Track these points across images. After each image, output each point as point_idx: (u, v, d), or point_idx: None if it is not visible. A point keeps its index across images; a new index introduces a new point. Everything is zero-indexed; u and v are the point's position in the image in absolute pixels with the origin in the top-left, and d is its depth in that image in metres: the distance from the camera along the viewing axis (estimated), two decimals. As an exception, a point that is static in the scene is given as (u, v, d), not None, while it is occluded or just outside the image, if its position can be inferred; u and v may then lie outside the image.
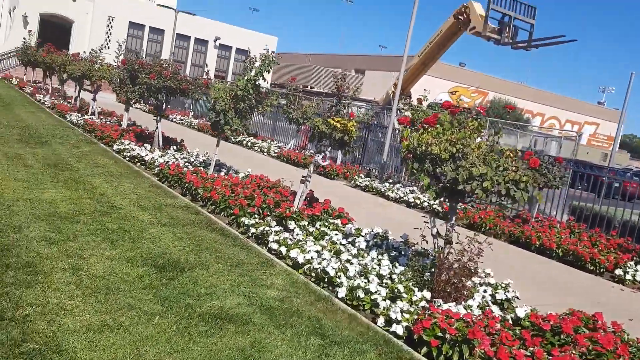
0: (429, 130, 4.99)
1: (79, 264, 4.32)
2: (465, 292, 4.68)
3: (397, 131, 13.69)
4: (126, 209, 6.19)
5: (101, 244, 4.88)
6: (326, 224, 6.60)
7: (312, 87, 40.89)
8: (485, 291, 4.97)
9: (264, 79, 9.01)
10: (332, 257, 5.18)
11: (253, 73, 8.71)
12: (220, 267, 4.75)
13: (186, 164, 9.31)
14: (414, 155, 4.92)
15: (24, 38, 24.49)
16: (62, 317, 3.41)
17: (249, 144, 16.53)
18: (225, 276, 4.54)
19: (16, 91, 21.05)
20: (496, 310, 4.52)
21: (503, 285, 5.24)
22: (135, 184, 7.59)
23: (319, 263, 4.99)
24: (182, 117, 21.16)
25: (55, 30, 34.65)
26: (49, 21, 34.36)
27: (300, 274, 4.97)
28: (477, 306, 4.53)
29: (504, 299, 5.01)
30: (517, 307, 4.63)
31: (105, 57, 15.76)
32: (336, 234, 6.09)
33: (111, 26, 34.14)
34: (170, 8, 31.23)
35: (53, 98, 18.48)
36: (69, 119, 13.97)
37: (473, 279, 4.90)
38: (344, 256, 5.24)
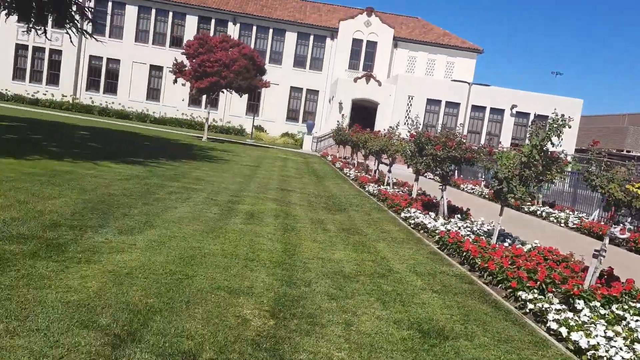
0: None
1: (351, 320, 4.64)
2: None
3: None
4: (402, 273, 6.43)
5: (374, 303, 5.15)
6: (625, 307, 5.65)
7: (628, 151, 36.40)
8: None
9: (552, 144, 8.48)
10: (625, 345, 4.38)
11: (540, 138, 8.30)
12: (486, 340, 4.49)
13: (468, 232, 9.22)
14: None
15: (338, 121, 28.33)
16: (327, 367, 3.70)
17: (543, 214, 15.43)
18: (490, 351, 4.27)
19: (329, 166, 24.27)
20: None
21: None
22: (414, 250, 7.85)
23: (607, 351, 4.27)
24: (473, 187, 21.16)
25: (363, 111, 39.24)
26: (359, 105, 39.16)
27: (582, 361, 4.33)
28: None
29: None
30: None
31: (401, 133, 17.08)
32: (637, 320, 5.15)
33: (410, 104, 36.91)
34: (465, 82, 32.21)
35: (357, 171, 20.69)
36: (367, 189, 15.41)
37: None
38: (642, 347, 4.37)
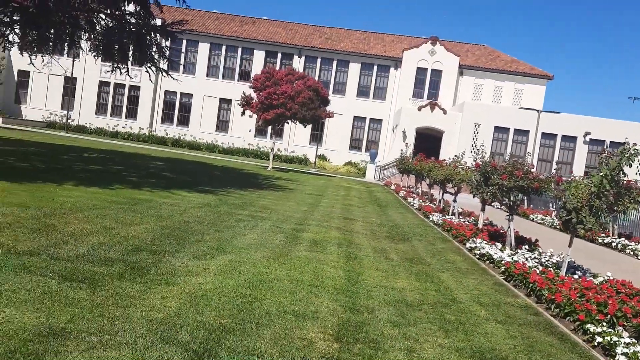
0: None
1: (413, 347, 4.76)
2: None
3: None
4: (465, 303, 6.46)
5: (436, 332, 5.24)
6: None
7: None
8: None
9: (624, 173, 8.31)
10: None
11: (610, 167, 8.16)
12: (550, 371, 4.48)
13: (536, 264, 9.05)
14: None
15: (401, 150, 28.39)
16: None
17: (619, 246, 14.79)
18: (554, 382, 4.26)
19: (392, 195, 24.31)
20: None
21: None
22: (479, 281, 7.83)
23: (679, 387, 4.16)
24: (543, 217, 20.54)
25: (428, 140, 39.07)
26: (423, 133, 39.06)
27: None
28: None
29: None
30: None
31: (466, 162, 16.96)
32: None
33: (477, 132, 36.43)
34: (533, 110, 31.49)
35: (421, 200, 20.62)
36: (431, 218, 15.37)
37: None
38: None
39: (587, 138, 34.96)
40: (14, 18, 16.06)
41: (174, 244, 7.31)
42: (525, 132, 35.77)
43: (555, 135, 35.71)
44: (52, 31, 14.78)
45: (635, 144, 8.23)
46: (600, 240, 15.12)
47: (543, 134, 34.72)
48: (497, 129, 36.40)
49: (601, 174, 8.14)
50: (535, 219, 20.39)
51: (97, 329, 4.06)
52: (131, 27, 16.68)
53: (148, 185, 13.77)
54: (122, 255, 6.30)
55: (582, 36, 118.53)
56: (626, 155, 8.00)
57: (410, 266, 8.35)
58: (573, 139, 35.56)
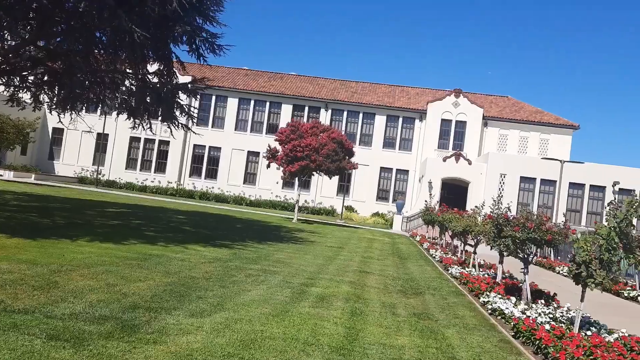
0: None
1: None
2: None
3: None
4: (464, 362, 6.24)
5: (426, 394, 5.06)
6: None
7: None
8: None
9: (633, 226, 8.07)
10: None
11: (619, 219, 7.94)
12: None
13: (548, 319, 8.72)
14: None
15: (425, 201, 28.19)
16: None
17: (646, 300, 14.15)
18: None
19: (415, 247, 23.97)
20: None
21: None
22: (484, 338, 7.57)
23: None
24: (570, 269, 19.85)
25: (455, 190, 38.76)
26: (449, 184, 38.80)
27: None
28: None
29: None
30: None
31: (487, 212, 16.69)
32: None
33: (503, 182, 35.99)
34: (557, 160, 31.05)
35: (443, 252, 20.26)
36: (450, 271, 15.05)
37: None
38: None
39: (616, 187, 33.94)
40: (44, 79, 16.98)
41: (173, 301, 7.34)
42: (552, 182, 35.18)
43: (583, 185, 35.01)
44: (77, 91, 15.50)
45: (643, 194, 8.02)
46: (625, 294, 14.49)
47: (571, 183, 34.09)
48: (523, 179, 35.92)
49: (609, 226, 7.92)
50: (560, 272, 19.72)
51: (70, 389, 4.07)
52: (155, 85, 17.40)
53: (163, 240, 13.96)
54: (117, 312, 6.35)
55: (608, 85, 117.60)
56: (634, 207, 7.79)
57: (416, 322, 8.15)
58: (602, 188, 34.78)
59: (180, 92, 18.15)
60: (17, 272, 7.69)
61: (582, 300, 8.32)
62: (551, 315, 9.15)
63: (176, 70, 18.44)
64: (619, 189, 35.42)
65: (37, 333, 5.18)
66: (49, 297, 6.62)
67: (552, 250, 23.63)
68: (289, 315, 7.45)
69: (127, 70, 17.10)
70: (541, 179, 35.47)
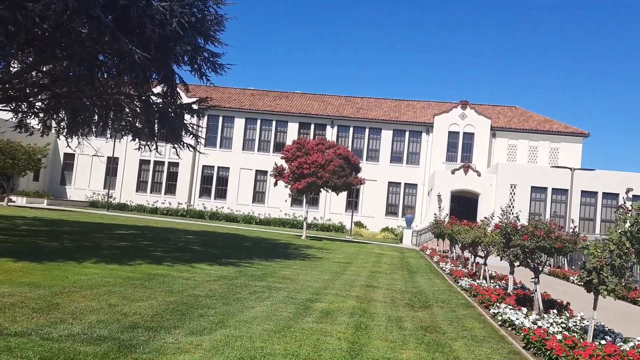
0: None
1: None
2: None
3: None
4: (471, 374, 6.05)
5: (430, 408, 4.89)
6: None
7: None
8: None
9: (642, 231, 7.86)
10: None
11: (628, 224, 7.75)
12: None
13: (561, 329, 8.48)
14: None
15: (435, 214, 27.94)
16: None
17: (665, 307, 13.80)
18: None
19: (425, 260, 23.69)
20: None
21: None
22: (492, 349, 7.36)
23: None
24: (579, 276, 19.50)
25: (465, 202, 38.43)
26: (459, 196, 38.49)
27: None
28: None
29: None
30: None
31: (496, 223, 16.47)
32: None
33: (514, 193, 35.65)
34: (566, 168, 30.72)
35: (453, 265, 19.99)
36: (460, 283, 14.80)
37: None
38: None
39: (630, 194, 33.58)
40: (51, 104, 17.14)
41: (174, 320, 7.23)
42: (564, 191, 34.78)
43: (595, 193, 34.59)
44: (83, 115, 15.62)
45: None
46: (643, 302, 14.17)
47: (583, 192, 33.70)
48: (534, 189, 35.56)
49: (620, 230, 7.72)
50: (574, 281, 19.36)
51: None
52: (159, 106, 17.49)
53: (170, 260, 13.88)
54: (115, 333, 6.25)
55: (617, 92, 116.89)
56: (642, 210, 7.60)
57: (423, 335, 7.96)
58: (615, 195, 34.32)
59: (185, 112, 18.23)
60: (18, 295, 7.64)
61: (594, 308, 8.09)
62: (564, 325, 8.90)
63: (180, 91, 18.56)
64: (633, 195, 35.36)
65: (30, 356, 5.09)
66: (47, 319, 6.54)
67: (565, 259, 23.26)
68: (291, 331, 7.30)
69: (131, 92, 17.21)
70: (552, 188, 35.09)
